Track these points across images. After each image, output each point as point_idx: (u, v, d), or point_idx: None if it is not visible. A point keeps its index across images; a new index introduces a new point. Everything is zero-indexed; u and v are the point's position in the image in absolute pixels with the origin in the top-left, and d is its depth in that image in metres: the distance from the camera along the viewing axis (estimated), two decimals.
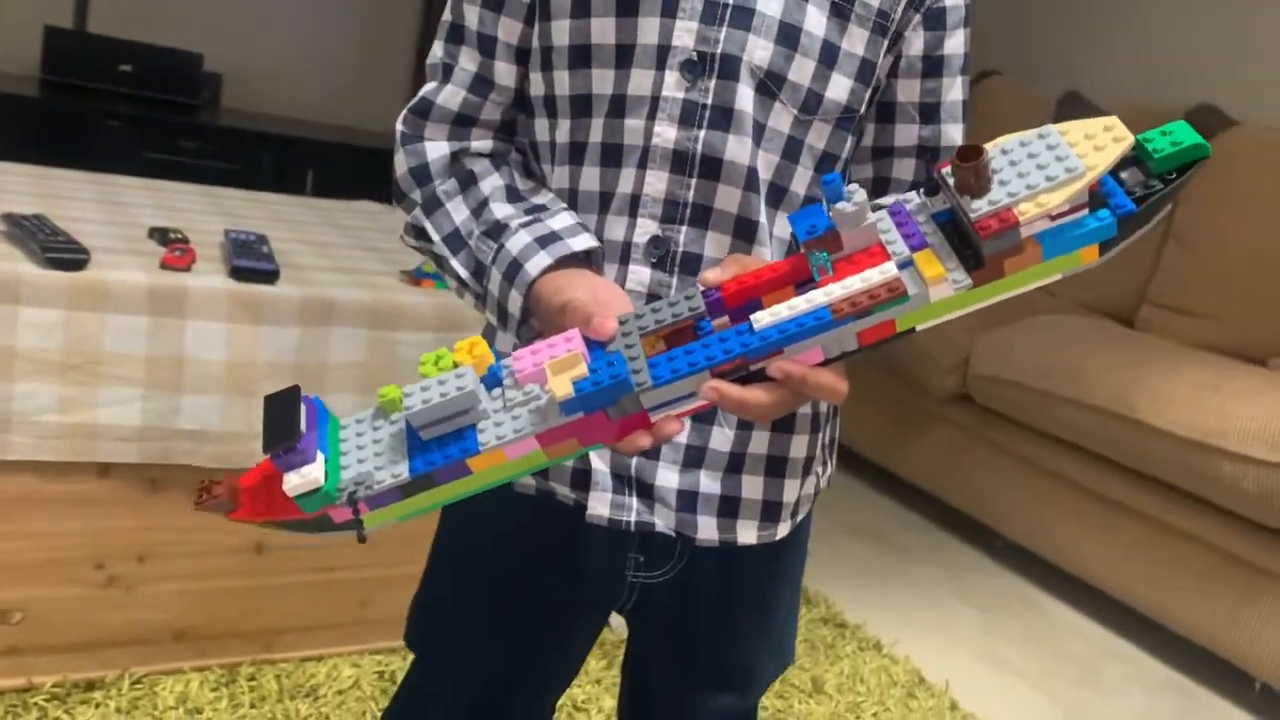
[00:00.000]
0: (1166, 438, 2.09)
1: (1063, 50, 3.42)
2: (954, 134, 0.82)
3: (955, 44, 0.81)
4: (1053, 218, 0.57)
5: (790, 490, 0.84)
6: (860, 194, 0.59)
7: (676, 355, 0.61)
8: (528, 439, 0.60)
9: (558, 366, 0.60)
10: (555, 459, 0.62)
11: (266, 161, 3.20)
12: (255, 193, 2.18)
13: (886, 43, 0.79)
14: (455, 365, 0.61)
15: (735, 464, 0.81)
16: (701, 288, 0.63)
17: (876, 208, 0.63)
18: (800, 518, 0.87)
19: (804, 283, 0.62)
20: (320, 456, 0.60)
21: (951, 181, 0.58)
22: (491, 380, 0.62)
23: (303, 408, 0.60)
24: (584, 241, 0.75)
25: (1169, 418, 2.09)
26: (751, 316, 0.61)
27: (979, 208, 0.57)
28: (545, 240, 0.75)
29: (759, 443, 0.82)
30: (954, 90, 0.82)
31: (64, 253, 1.37)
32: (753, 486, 0.82)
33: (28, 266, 1.35)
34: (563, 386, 0.59)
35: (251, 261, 1.50)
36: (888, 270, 0.59)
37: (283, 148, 3.23)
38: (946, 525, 2.66)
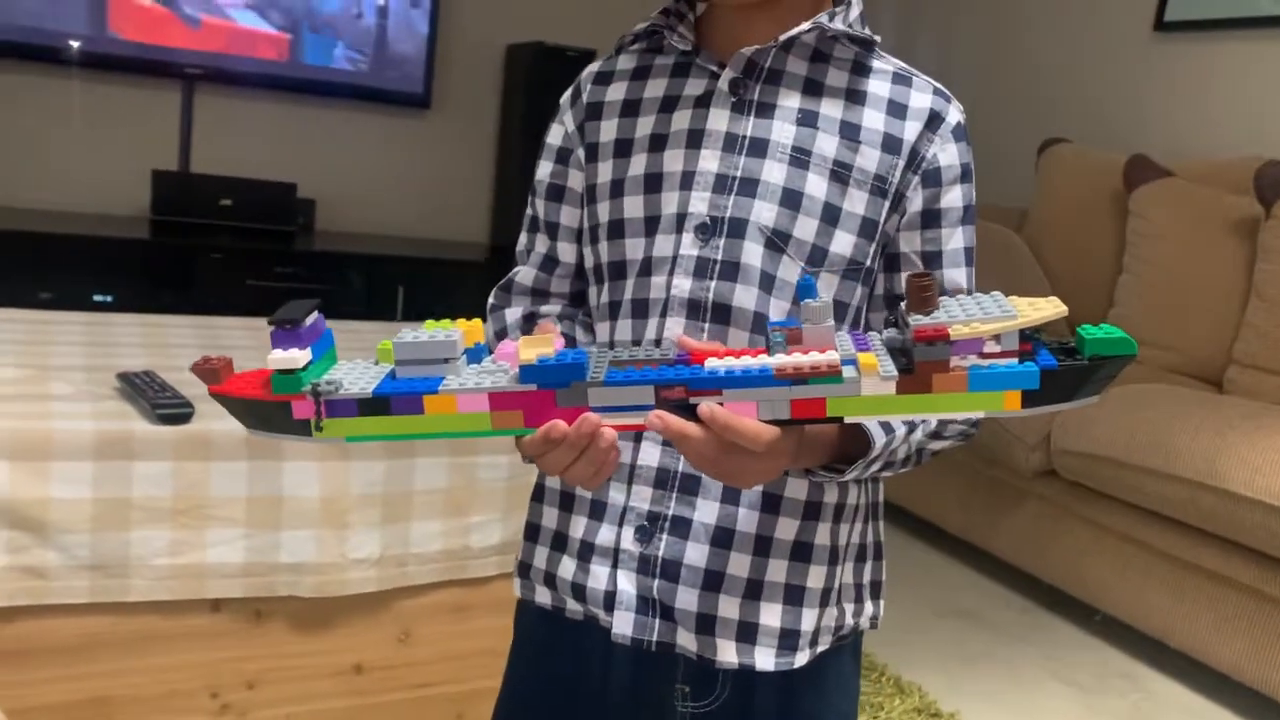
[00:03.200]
0: (1257, 506, 2.06)
1: (1129, 114, 3.43)
2: (957, 278, 0.88)
3: (953, 198, 0.88)
4: (984, 355, 0.66)
5: (808, 619, 0.89)
6: (826, 299, 0.69)
7: (631, 371, 0.70)
8: (480, 395, 0.69)
9: (530, 344, 0.70)
10: (499, 428, 0.70)
11: (358, 281, 3.38)
12: (347, 322, 2.32)
13: (888, 203, 0.86)
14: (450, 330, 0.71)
15: (753, 590, 0.87)
16: (677, 349, 0.72)
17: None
18: (821, 649, 0.91)
19: None
20: (309, 353, 0.69)
21: (903, 303, 0.69)
22: (474, 355, 0.72)
23: (315, 316, 0.70)
24: None
25: (1257, 486, 2.06)
26: (707, 360, 0.70)
27: (920, 320, 0.67)
28: None
29: (776, 571, 0.88)
30: (954, 239, 0.88)
31: (171, 408, 1.50)
32: (770, 612, 0.88)
33: (140, 423, 1.48)
34: (528, 355, 0.68)
35: None
36: (831, 355, 0.68)
37: (373, 266, 3.41)
38: (1041, 602, 2.63)
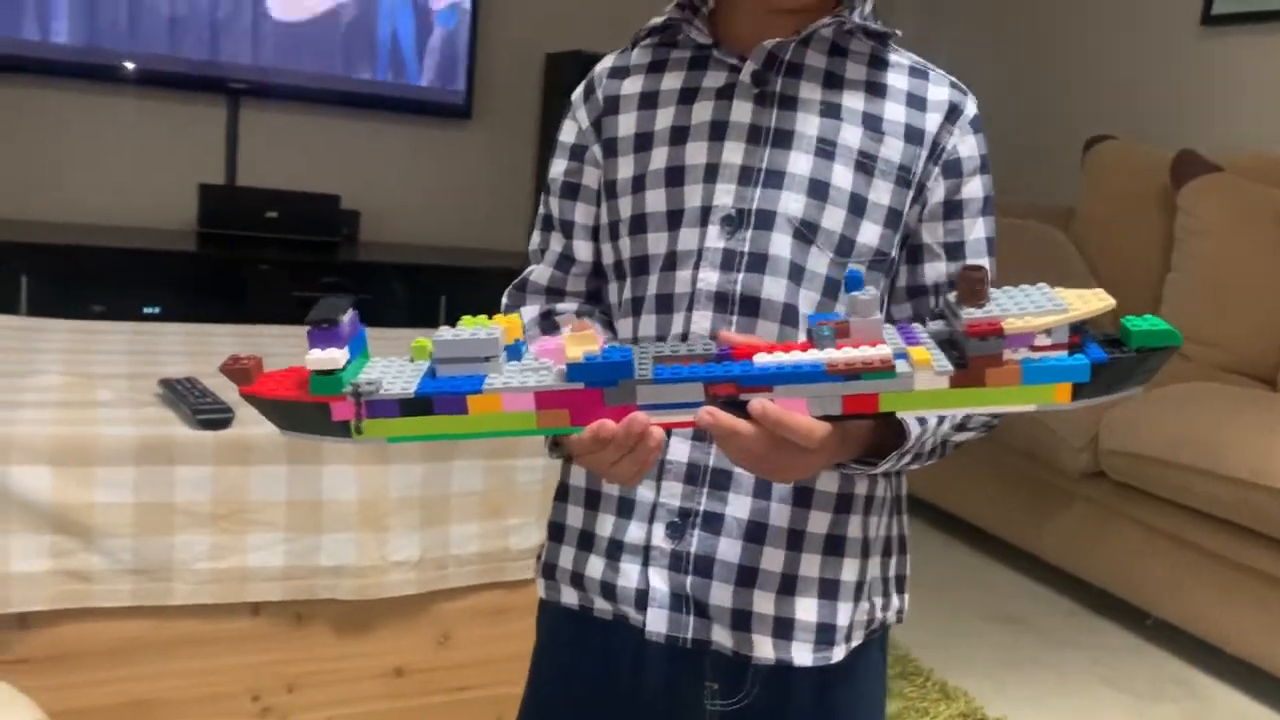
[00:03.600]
0: None
1: (1176, 109, 3.37)
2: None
3: (973, 188, 0.88)
4: (1035, 348, 0.65)
5: (843, 614, 0.88)
6: (875, 291, 0.68)
7: (680, 368, 0.68)
8: (526, 394, 0.67)
9: (576, 340, 0.67)
10: (545, 427, 0.69)
11: (401, 290, 3.40)
12: (393, 330, 2.34)
13: (911, 193, 0.86)
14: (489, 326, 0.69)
15: (788, 585, 0.87)
16: (717, 345, 0.71)
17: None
18: (855, 643, 0.90)
19: None
20: (347, 353, 0.67)
21: (954, 294, 0.67)
22: (513, 352, 0.70)
23: (351, 313, 0.68)
24: None
25: None
26: (756, 355, 0.68)
27: (973, 314, 0.65)
28: None
29: (810, 565, 0.87)
30: (976, 229, 0.88)
31: (212, 413, 1.52)
32: (806, 607, 0.87)
33: (181, 429, 1.50)
34: (574, 353, 0.67)
35: None
36: (883, 349, 0.67)
37: (416, 276, 3.43)
38: (1090, 605, 2.58)
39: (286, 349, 2.01)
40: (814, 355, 0.67)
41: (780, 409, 0.67)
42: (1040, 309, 0.65)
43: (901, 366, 0.66)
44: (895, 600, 0.95)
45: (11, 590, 1.40)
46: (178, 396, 1.57)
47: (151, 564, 1.47)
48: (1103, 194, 3.24)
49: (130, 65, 3.29)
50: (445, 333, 0.68)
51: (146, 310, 3.04)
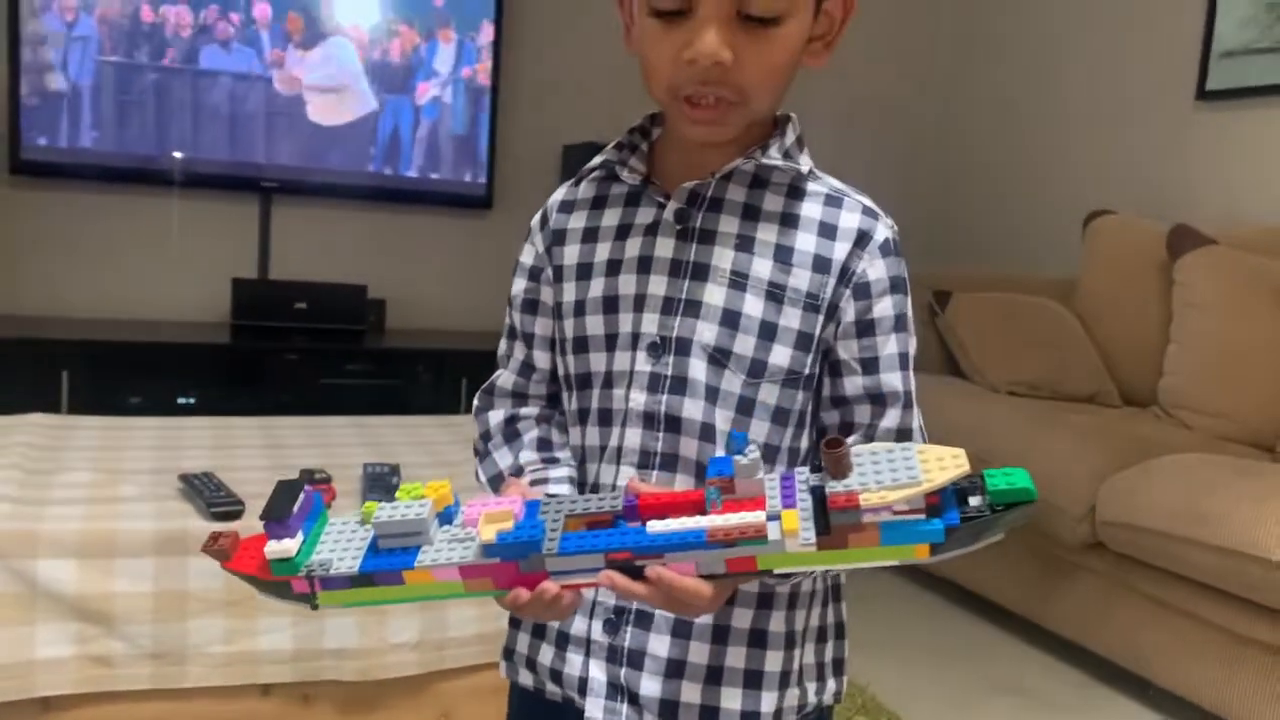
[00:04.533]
0: None
1: (1173, 184, 3.45)
2: (894, 381, 0.95)
3: (884, 307, 0.95)
4: (895, 512, 0.72)
5: (768, 701, 0.96)
6: (755, 454, 0.76)
7: (585, 536, 0.79)
8: (452, 568, 0.78)
9: (490, 517, 0.79)
10: (472, 592, 0.80)
11: (425, 375, 3.53)
12: (401, 417, 2.46)
13: (822, 317, 0.94)
14: (422, 498, 0.81)
15: (714, 676, 0.95)
16: (627, 494, 0.80)
17: (812, 462, 0.83)
18: None
19: (704, 511, 0.78)
20: (300, 537, 0.80)
21: (820, 463, 0.75)
22: (446, 517, 0.82)
23: (301, 497, 0.80)
24: (560, 490, 0.97)
25: None
26: (648, 522, 0.78)
27: (835, 487, 0.73)
28: (536, 484, 0.97)
29: (735, 657, 0.95)
30: (889, 346, 0.95)
31: (224, 506, 1.63)
32: (730, 697, 0.95)
33: (197, 521, 1.62)
34: (488, 533, 0.78)
35: (380, 495, 1.73)
36: (758, 516, 0.75)
37: (439, 361, 3.56)
38: (1098, 676, 2.60)
39: (303, 440, 2.13)
40: (698, 522, 0.77)
41: (671, 574, 0.77)
42: (897, 482, 0.72)
43: (773, 533, 0.75)
44: (831, 683, 1.02)
45: (37, 676, 1.51)
46: (194, 490, 1.69)
47: (168, 648, 1.57)
48: (1103, 267, 3.31)
49: (168, 167, 3.48)
50: (384, 512, 0.80)
51: (181, 401, 3.19)
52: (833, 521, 0.73)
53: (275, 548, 0.79)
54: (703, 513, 0.78)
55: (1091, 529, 2.53)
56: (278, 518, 0.79)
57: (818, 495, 0.76)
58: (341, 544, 0.81)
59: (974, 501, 0.73)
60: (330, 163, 3.69)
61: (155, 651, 1.57)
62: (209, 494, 1.66)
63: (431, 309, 3.93)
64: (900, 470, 0.73)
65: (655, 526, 0.78)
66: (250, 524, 1.62)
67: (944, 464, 0.73)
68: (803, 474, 0.78)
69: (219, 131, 3.54)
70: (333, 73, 3.66)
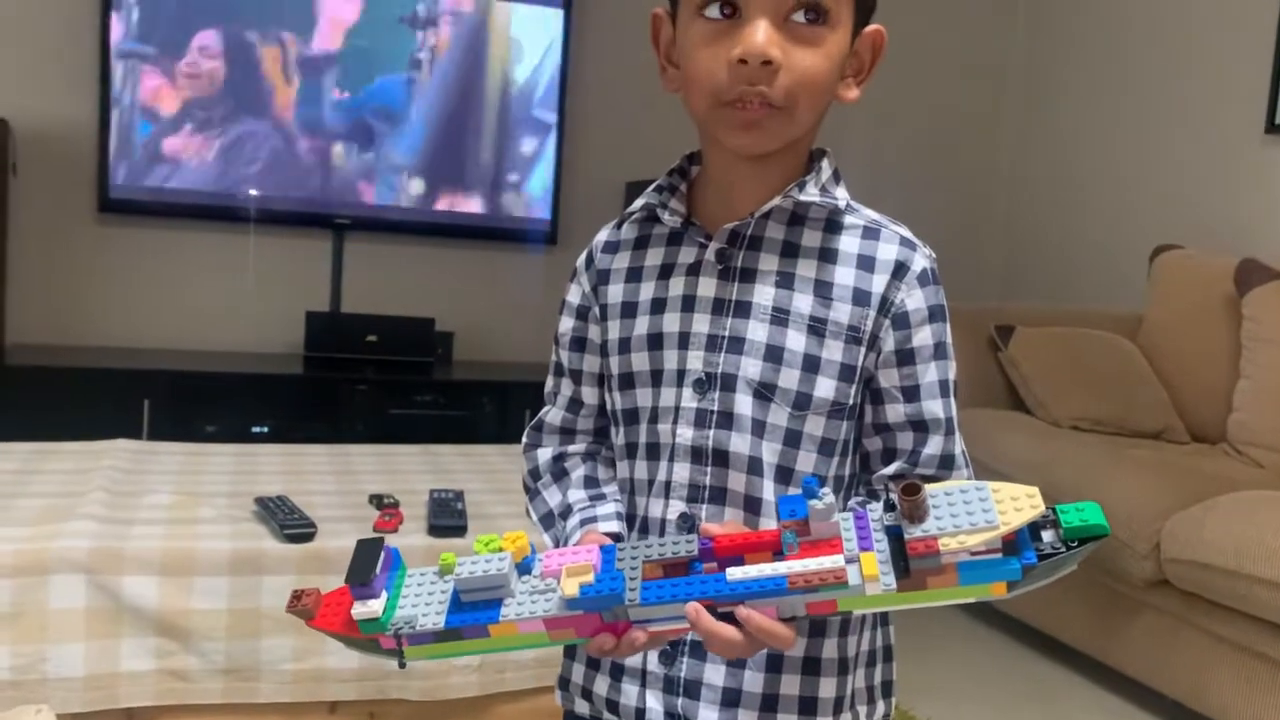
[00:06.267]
0: None
1: (1242, 218, 3.41)
2: (935, 409, 0.98)
3: (923, 336, 0.98)
4: (972, 554, 0.74)
5: None
6: (830, 497, 0.78)
7: (665, 585, 0.80)
8: (537, 621, 0.81)
9: (572, 571, 0.81)
10: (556, 641, 0.83)
11: (490, 406, 3.60)
12: (466, 445, 2.52)
13: (864, 348, 0.97)
14: (500, 550, 0.82)
15: (769, 704, 0.97)
16: (701, 537, 0.82)
17: (869, 497, 0.86)
18: None
19: (779, 552, 0.80)
20: (384, 594, 0.82)
21: (897, 508, 0.76)
22: (524, 568, 0.83)
23: (382, 555, 0.83)
24: (610, 527, 0.99)
25: None
26: (728, 570, 0.80)
27: (913, 532, 0.75)
28: (586, 522, 1.00)
29: (790, 685, 0.97)
30: (929, 374, 0.98)
31: (297, 528, 1.70)
32: None
33: (270, 542, 1.68)
34: (571, 588, 0.80)
35: (446, 520, 1.79)
36: (838, 561, 0.77)
37: (504, 392, 3.63)
38: (1157, 710, 2.56)
39: (372, 466, 2.20)
40: (777, 569, 0.78)
41: (764, 619, 0.78)
42: (974, 526, 0.73)
43: (853, 577, 0.75)
44: (881, 705, 1.04)
45: (120, 687, 1.58)
46: (269, 513, 1.75)
47: (241, 665, 1.64)
48: (1170, 302, 3.28)
49: (246, 205, 3.62)
50: (464, 566, 0.82)
51: (255, 430, 3.29)
52: (913, 567, 0.75)
53: (362, 610, 0.80)
54: (778, 552, 0.79)
55: (1157, 566, 2.50)
56: (362, 580, 0.81)
57: (893, 535, 0.77)
58: (424, 598, 0.82)
59: (1047, 536, 0.75)
60: (400, 201, 3.80)
61: (228, 667, 1.63)
62: (282, 516, 1.73)
63: (497, 342, 4.01)
64: (977, 513, 0.74)
65: (735, 574, 0.79)
66: (319, 545, 1.68)
67: (1019, 504, 0.73)
68: (875, 511, 0.79)
69: (295, 172, 3.67)
70: None
